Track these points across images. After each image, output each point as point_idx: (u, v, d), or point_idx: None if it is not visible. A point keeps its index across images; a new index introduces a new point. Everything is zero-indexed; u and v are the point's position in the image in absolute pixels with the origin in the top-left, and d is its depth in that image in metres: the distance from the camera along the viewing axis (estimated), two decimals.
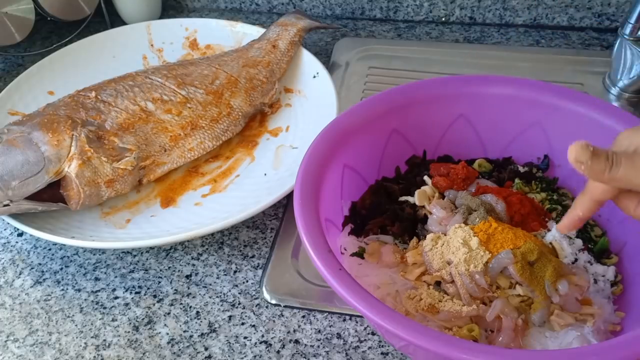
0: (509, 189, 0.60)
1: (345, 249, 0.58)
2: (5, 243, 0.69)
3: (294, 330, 0.58)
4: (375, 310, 0.43)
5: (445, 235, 0.54)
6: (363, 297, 0.44)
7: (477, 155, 0.65)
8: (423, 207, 0.59)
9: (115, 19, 1.02)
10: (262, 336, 0.58)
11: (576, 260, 0.54)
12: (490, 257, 0.51)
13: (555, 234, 0.55)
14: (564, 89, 0.61)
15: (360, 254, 0.57)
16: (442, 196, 0.60)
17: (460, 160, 0.63)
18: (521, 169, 0.63)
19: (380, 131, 0.62)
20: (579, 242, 0.56)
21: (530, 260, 0.51)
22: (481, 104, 0.62)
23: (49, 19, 0.95)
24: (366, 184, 0.63)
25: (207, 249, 0.67)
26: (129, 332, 0.59)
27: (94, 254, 0.67)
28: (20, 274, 0.65)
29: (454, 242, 0.52)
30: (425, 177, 0.62)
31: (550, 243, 0.55)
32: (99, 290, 0.63)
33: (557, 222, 0.57)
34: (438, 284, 0.52)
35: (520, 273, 0.50)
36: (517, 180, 0.61)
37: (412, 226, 0.58)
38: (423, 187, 0.60)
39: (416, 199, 0.59)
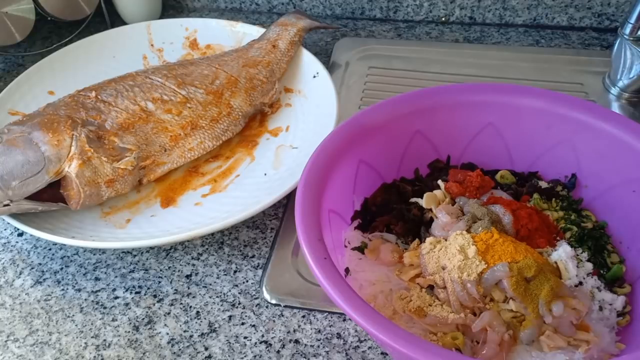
0: (523, 202, 0.59)
1: (349, 243, 0.58)
2: (5, 243, 0.69)
3: (294, 330, 0.58)
4: (343, 296, 0.44)
5: (445, 240, 0.54)
6: (336, 283, 0.45)
7: (503, 166, 0.63)
8: (431, 210, 0.59)
9: (115, 19, 1.02)
10: (262, 336, 0.58)
11: (580, 283, 0.53)
12: (485, 267, 0.50)
13: (561, 253, 0.53)
14: (597, 106, 0.59)
15: (361, 248, 0.57)
16: (454, 202, 0.59)
17: (482, 169, 0.62)
18: (544, 185, 0.61)
19: (403, 131, 0.61)
20: (588, 266, 0.54)
21: (527, 277, 0.50)
22: (512, 114, 0.61)
23: (49, 19, 0.95)
24: (383, 182, 0.63)
25: (207, 249, 0.67)
26: (129, 332, 0.59)
27: (94, 254, 0.67)
28: (20, 274, 0.65)
29: (452, 249, 0.52)
30: (440, 182, 0.61)
31: (555, 262, 0.53)
32: (99, 290, 0.63)
33: (569, 243, 0.55)
34: (431, 288, 0.52)
35: (513, 288, 0.49)
36: (535, 196, 0.60)
37: (416, 227, 0.58)
38: (434, 191, 0.60)
39: (424, 201, 0.59)
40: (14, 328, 0.60)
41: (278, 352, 0.57)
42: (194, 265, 0.65)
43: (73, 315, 0.61)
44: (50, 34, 1.02)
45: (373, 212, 0.60)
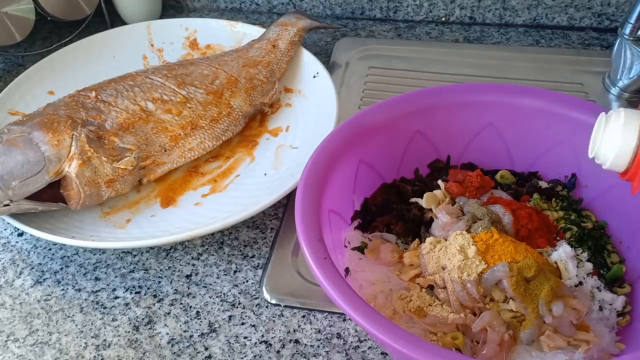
0: (522, 203, 0.59)
1: (349, 243, 0.58)
2: (5, 243, 0.69)
3: (294, 330, 0.58)
4: (343, 296, 0.44)
5: (445, 240, 0.54)
6: (336, 283, 0.45)
7: (503, 166, 0.63)
8: (431, 210, 0.59)
9: (115, 19, 1.02)
10: (262, 336, 0.58)
11: (580, 283, 0.53)
12: (485, 267, 0.50)
13: (561, 253, 0.54)
14: (597, 106, 0.59)
15: (361, 249, 0.57)
16: (454, 202, 0.59)
17: (482, 169, 0.62)
18: (544, 185, 0.61)
19: (403, 131, 0.61)
20: (588, 266, 0.54)
21: (527, 277, 0.50)
22: (512, 114, 0.61)
23: (49, 19, 0.95)
24: (383, 182, 0.63)
25: (207, 249, 0.67)
26: (129, 332, 0.59)
27: (94, 254, 0.67)
28: (20, 274, 0.65)
29: (452, 249, 0.52)
30: (440, 182, 0.61)
31: (555, 262, 0.53)
32: (99, 290, 0.63)
33: (569, 243, 0.55)
34: (431, 288, 0.52)
35: (513, 288, 0.49)
36: (535, 196, 0.60)
37: (416, 227, 0.58)
38: (434, 191, 0.60)
39: (424, 201, 0.59)
40: (14, 328, 0.60)
41: (278, 352, 0.57)
42: (194, 265, 0.65)
43: (73, 315, 0.61)
44: (50, 34, 1.02)
45: (373, 212, 0.60)
